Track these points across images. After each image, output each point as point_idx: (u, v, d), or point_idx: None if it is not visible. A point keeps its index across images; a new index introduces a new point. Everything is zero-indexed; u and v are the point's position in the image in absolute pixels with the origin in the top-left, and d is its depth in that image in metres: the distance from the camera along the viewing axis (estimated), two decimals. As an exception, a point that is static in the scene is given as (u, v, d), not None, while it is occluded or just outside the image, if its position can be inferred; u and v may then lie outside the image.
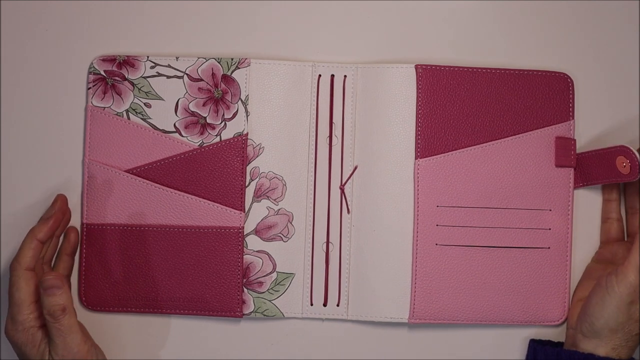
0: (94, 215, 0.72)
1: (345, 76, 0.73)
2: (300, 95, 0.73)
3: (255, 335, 0.74)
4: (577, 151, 0.73)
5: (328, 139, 0.73)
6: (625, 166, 0.68)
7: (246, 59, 0.73)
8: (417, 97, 0.73)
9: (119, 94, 0.73)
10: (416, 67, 0.73)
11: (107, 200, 0.72)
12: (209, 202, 0.72)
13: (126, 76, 0.73)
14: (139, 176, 0.72)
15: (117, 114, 0.73)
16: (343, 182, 0.73)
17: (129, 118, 0.73)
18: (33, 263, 0.68)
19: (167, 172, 0.72)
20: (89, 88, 0.73)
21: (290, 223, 0.73)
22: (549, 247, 0.73)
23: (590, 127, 0.74)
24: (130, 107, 0.73)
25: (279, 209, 0.73)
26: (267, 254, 0.72)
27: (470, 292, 0.72)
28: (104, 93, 0.73)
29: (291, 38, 0.74)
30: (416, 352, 0.74)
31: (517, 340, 0.74)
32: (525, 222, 0.72)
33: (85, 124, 0.73)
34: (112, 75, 0.73)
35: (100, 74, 0.73)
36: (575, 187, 0.73)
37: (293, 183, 0.73)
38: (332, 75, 0.73)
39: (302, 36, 0.74)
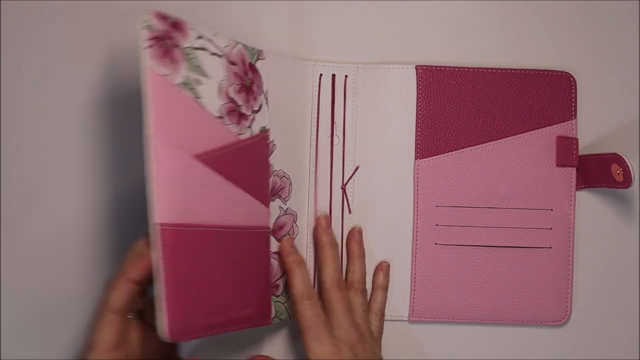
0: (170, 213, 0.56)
1: (346, 76, 0.73)
2: (303, 94, 0.72)
3: (255, 336, 0.72)
4: (580, 152, 0.72)
5: (329, 138, 0.73)
6: (619, 174, 0.67)
7: (262, 50, 0.68)
8: (417, 97, 0.72)
9: (174, 62, 0.58)
10: (416, 67, 0.72)
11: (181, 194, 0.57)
12: (258, 202, 0.65)
13: (177, 42, 0.59)
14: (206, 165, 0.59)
15: (176, 86, 0.58)
16: (344, 182, 0.73)
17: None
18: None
19: (225, 164, 0.61)
20: (147, 47, 0.56)
21: (295, 223, 0.71)
22: (550, 247, 0.72)
23: (593, 127, 0.73)
24: (183, 80, 0.59)
25: (287, 209, 0.70)
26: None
27: (470, 292, 0.72)
28: (162, 57, 0.57)
29: (291, 38, 0.73)
30: (416, 351, 0.73)
31: (518, 340, 0.73)
32: (526, 221, 0.71)
33: (148, 95, 0.55)
34: (166, 38, 0.58)
35: (157, 30, 0.57)
36: (577, 189, 0.72)
37: (297, 182, 0.71)
38: (333, 75, 0.73)
39: (302, 36, 0.73)
